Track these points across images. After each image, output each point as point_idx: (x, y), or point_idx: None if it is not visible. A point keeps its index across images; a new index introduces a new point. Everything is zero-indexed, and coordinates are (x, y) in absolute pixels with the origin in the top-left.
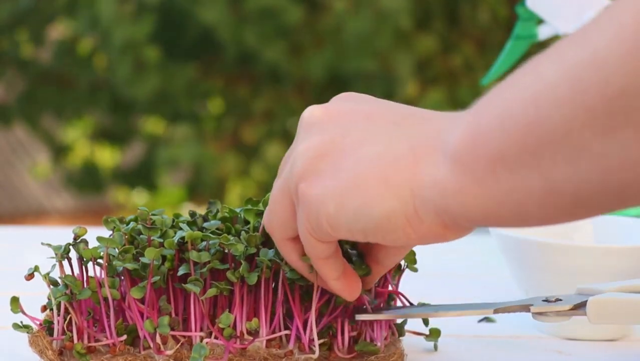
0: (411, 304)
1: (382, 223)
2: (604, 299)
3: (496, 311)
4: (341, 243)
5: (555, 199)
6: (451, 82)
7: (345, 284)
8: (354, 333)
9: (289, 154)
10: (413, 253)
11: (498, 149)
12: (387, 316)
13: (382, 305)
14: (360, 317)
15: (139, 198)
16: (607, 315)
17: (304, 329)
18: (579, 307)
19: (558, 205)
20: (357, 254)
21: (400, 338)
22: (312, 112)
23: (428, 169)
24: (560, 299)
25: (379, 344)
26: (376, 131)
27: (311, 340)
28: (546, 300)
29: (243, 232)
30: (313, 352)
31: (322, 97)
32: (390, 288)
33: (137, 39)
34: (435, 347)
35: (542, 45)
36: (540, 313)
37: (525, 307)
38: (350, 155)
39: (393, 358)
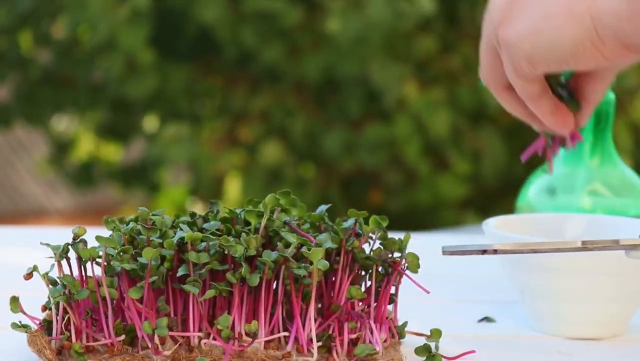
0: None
1: (572, 49)
2: None
3: (584, 244)
4: (551, 84)
5: None
6: (450, 83)
7: (559, 118)
8: (353, 336)
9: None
10: (416, 258)
11: None
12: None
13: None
14: (446, 248)
15: (138, 198)
16: None
17: (304, 330)
18: None
19: None
20: (567, 93)
21: (401, 340)
22: None
23: None
24: None
25: (377, 348)
26: None
27: (309, 342)
28: None
29: (243, 233)
30: (312, 355)
31: (320, 98)
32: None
33: (132, 44)
34: (437, 348)
35: None
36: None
37: (615, 241)
38: None
39: None
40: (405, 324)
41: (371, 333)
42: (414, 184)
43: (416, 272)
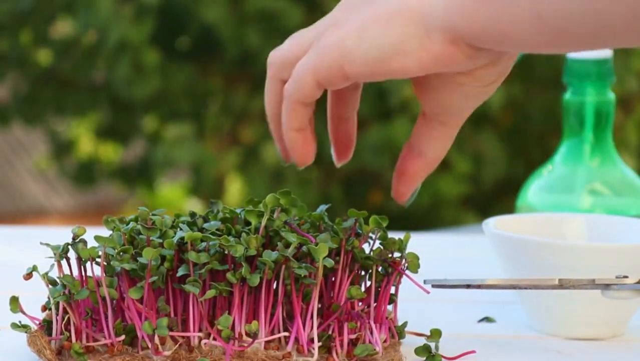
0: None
1: (397, 46)
2: None
3: (560, 282)
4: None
5: (540, 27)
6: None
7: (301, 141)
8: (353, 336)
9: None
10: (417, 258)
11: None
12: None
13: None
14: (429, 281)
15: (138, 197)
16: None
17: (304, 330)
18: None
19: (543, 32)
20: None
21: (401, 340)
22: None
23: None
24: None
25: (377, 348)
26: None
27: (309, 342)
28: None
29: (243, 233)
30: (312, 355)
31: (321, 98)
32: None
33: (136, 42)
34: (437, 348)
35: None
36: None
37: (591, 281)
38: (366, 4)
39: None
40: (405, 324)
41: (371, 333)
42: None
43: (416, 272)
